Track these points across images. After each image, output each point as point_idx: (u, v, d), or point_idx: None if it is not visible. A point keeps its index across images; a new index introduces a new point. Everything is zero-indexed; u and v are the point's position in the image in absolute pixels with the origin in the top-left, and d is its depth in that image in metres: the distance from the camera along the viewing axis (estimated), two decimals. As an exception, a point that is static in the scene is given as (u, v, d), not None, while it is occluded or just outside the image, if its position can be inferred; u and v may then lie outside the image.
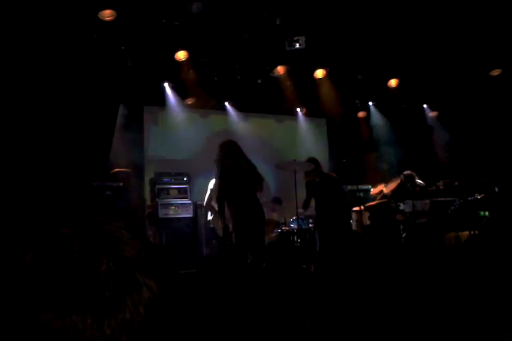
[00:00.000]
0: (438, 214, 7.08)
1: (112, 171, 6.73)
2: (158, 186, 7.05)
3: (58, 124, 6.37)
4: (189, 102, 8.24)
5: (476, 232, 6.66)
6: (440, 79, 8.73)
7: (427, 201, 7.23)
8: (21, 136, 5.94)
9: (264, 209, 7.57)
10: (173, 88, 8.19)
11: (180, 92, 8.17)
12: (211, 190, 6.42)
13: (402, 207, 7.23)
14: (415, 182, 7.10)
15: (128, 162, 7.19)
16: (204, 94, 8.03)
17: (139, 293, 0.60)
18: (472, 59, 8.13)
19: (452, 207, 7.17)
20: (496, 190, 7.27)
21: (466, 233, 6.69)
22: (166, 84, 8.15)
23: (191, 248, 6.67)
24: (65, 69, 6.44)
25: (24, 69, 6.05)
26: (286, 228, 6.86)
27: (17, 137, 5.90)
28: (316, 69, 8.53)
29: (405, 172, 7.18)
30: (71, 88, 6.59)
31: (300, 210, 6.37)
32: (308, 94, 8.85)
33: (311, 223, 6.93)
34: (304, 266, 6.23)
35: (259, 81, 8.50)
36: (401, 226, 7.03)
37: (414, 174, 7.19)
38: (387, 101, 9.44)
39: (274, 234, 6.84)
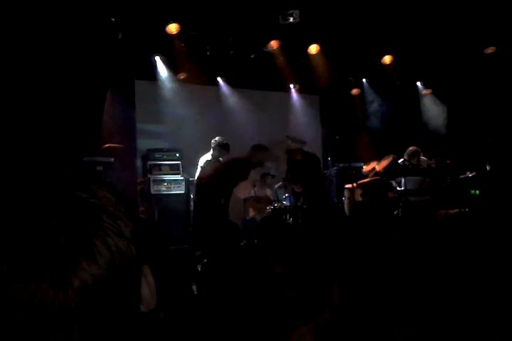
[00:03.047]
0: (430, 192, 7.11)
1: (103, 146, 6.65)
2: (149, 162, 6.97)
3: (47, 98, 6.25)
4: (181, 77, 8.11)
5: (466, 210, 6.69)
6: (434, 57, 8.66)
7: (421, 178, 7.26)
8: (10, 113, 5.83)
9: (257, 187, 7.62)
10: (165, 62, 8.04)
11: (172, 67, 8.03)
12: (202, 167, 6.38)
13: (394, 185, 7.25)
14: (419, 160, 7.12)
15: (119, 137, 7.11)
16: (196, 69, 7.90)
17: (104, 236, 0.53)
18: (466, 36, 8.05)
19: (443, 185, 7.20)
20: (488, 168, 7.30)
21: (457, 211, 6.73)
22: (157, 58, 8.00)
23: (183, 224, 6.66)
24: (53, 42, 6.28)
25: (12, 44, 5.89)
26: (279, 205, 6.85)
27: (6, 113, 5.79)
28: (310, 44, 8.41)
29: (411, 148, 7.19)
30: (59, 61, 6.44)
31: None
32: (301, 70, 8.75)
33: (299, 200, 6.92)
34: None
35: (252, 56, 8.37)
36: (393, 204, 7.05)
37: (419, 150, 7.21)
38: (381, 78, 9.36)
39: (266, 211, 6.84)
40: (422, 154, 7.28)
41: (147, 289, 0.61)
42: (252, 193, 7.38)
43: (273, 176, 7.61)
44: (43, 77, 6.23)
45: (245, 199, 7.03)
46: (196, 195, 6.16)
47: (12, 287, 0.49)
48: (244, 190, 7.27)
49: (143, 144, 7.56)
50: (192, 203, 6.68)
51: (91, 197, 0.56)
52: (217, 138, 6.49)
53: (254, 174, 7.00)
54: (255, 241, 6.54)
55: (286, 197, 6.92)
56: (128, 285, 0.56)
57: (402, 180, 7.05)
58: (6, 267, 0.49)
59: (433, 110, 9.61)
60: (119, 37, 7.07)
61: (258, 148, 5.92)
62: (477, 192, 7.17)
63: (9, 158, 5.49)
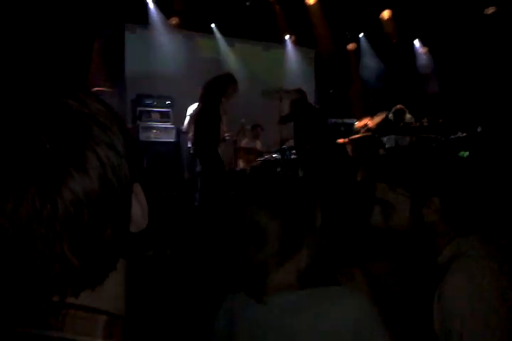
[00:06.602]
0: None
1: (92, 90, 6.45)
2: (139, 108, 6.83)
3: (31, 39, 6.02)
4: (173, 22, 7.82)
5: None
6: (434, 15, 8.45)
7: (409, 137, 7.24)
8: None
9: (246, 139, 7.54)
10: (157, 5, 7.72)
11: (165, 11, 7.72)
12: (190, 115, 6.21)
13: (385, 141, 7.22)
14: (403, 118, 7.06)
15: (108, 82, 6.91)
16: (190, 14, 7.61)
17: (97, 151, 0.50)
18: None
19: (434, 145, 7.20)
20: (478, 129, 7.29)
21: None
22: (149, 1, 7.67)
23: (173, 172, 6.61)
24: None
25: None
26: (269, 157, 6.81)
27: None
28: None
29: (396, 107, 7.12)
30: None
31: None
32: (298, 22, 8.50)
33: (293, 154, 6.87)
34: None
35: (247, 3, 8.06)
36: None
37: (405, 109, 7.13)
38: (378, 34, 9.15)
39: (256, 163, 6.81)
40: (407, 112, 7.22)
41: (138, 208, 0.58)
42: (243, 144, 7.31)
43: (262, 129, 7.52)
44: (29, 18, 5.98)
45: (235, 150, 6.96)
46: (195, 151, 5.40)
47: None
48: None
49: (132, 89, 7.33)
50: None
51: (81, 106, 0.52)
52: None
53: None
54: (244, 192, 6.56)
55: (276, 150, 6.86)
56: (119, 201, 0.53)
57: (392, 137, 7.03)
58: None
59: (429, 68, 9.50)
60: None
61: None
62: (466, 153, 7.19)
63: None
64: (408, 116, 7.24)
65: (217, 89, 5.08)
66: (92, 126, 0.51)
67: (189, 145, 6.32)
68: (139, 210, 0.58)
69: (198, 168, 5.42)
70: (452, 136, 7.16)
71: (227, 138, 5.81)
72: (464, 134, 7.17)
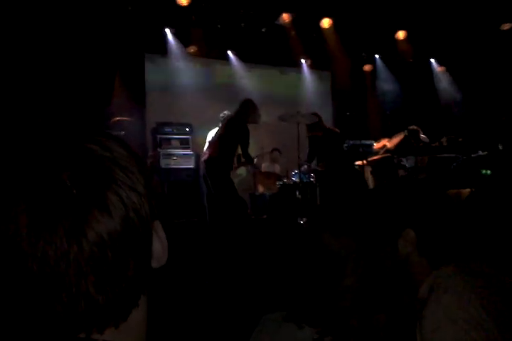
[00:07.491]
0: (440, 171, 7.04)
1: (113, 120, 6.61)
2: (159, 136, 6.97)
3: (54, 73, 6.23)
4: (191, 50, 8.01)
5: (477, 189, 6.62)
6: (449, 33, 8.46)
7: (425, 157, 7.19)
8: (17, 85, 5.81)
9: (265, 163, 7.59)
10: (175, 35, 7.93)
11: (183, 40, 7.92)
12: (209, 141, 6.31)
13: (404, 162, 7.18)
14: (419, 138, 7.02)
15: (129, 111, 7.07)
16: (207, 42, 7.80)
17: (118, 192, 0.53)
18: (482, 12, 7.84)
19: (455, 164, 7.12)
20: (500, 147, 7.20)
21: (468, 190, 6.66)
22: (167, 31, 7.88)
23: (193, 198, 6.69)
24: (61, 14, 6.20)
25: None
26: (288, 181, 6.83)
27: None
28: (323, 18, 8.24)
29: (410, 127, 7.09)
30: (69, 34, 6.39)
31: (304, 164, 6.36)
32: (313, 45, 8.60)
33: (312, 177, 6.88)
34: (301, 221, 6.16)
35: (263, 30, 8.22)
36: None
37: (419, 129, 7.09)
38: (394, 54, 9.18)
39: (275, 187, 6.82)
40: (421, 133, 7.18)
41: (159, 244, 0.61)
42: (262, 169, 7.35)
43: (281, 153, 7.56)
44: (50, 49, 6.19)
45: (254, 175, 7.01)
46: (207, 169, 5.66)
47: (26, 240, 0.49)
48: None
49: (152, 118, 7.50)
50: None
51: (102, 150, 0.55)
52: (225, 112, 6.40)
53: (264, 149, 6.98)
54: (264, 217, 6.57)
55: (295, 173, 6.87)
56: (141, 239, 0.56)
57: (412, 157, 6.99)
58: (19, 221, 0.49)
59: (447, 88, 9.46)
60: (129, 9, 6.95)
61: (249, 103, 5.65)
62: (488, 172, 7.09)
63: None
64: (422, 136, 7.21)
65: (241, 118, 5.29)
66: (114, 169, 0.54)
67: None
68: (159, 246, 0.60)
69: (204, 189, 5.48)
70: (473, 155, 7.08)
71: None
72: (485, 153, 7.09)
